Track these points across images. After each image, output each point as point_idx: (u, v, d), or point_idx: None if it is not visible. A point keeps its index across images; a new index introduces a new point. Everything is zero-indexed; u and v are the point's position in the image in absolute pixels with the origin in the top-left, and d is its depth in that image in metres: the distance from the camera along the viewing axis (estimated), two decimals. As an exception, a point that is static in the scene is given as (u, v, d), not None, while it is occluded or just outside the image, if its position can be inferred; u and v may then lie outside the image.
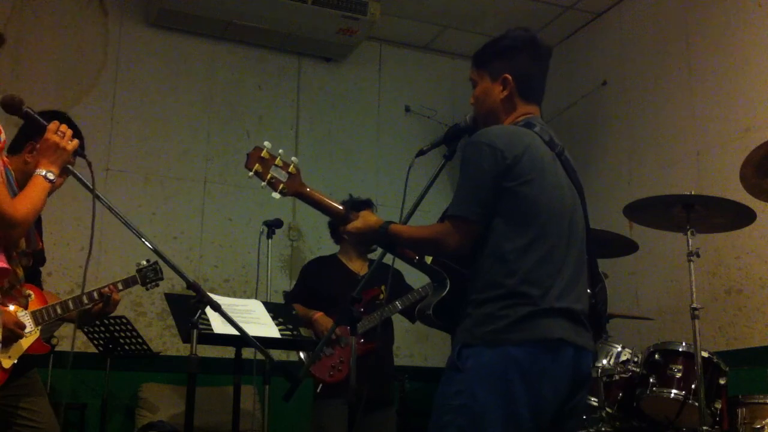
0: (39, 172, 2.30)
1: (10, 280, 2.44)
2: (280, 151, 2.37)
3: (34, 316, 2.84)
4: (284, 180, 2.35)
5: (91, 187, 2.39)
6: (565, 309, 2.09)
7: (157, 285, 3.59)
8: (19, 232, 2.17)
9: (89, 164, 2.41)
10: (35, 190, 2.25)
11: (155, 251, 2.57)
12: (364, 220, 2.35)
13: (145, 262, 3.63)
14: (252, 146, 2.38)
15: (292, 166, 2.37)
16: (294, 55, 6.12)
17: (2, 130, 2.23)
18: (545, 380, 2.03)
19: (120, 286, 3.45)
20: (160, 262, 3.54)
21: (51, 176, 2.31)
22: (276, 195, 2.35)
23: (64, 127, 2.37)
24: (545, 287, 2.08)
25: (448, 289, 2.26)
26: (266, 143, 2.36)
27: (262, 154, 2.34)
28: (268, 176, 2.34)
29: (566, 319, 2.09)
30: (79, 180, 2.45)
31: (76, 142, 2.40)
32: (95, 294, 3.31)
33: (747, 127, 4.61)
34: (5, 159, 2.34)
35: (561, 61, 5.81)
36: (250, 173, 2.33)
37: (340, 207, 2.40)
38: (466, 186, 2.16)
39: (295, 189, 2.36)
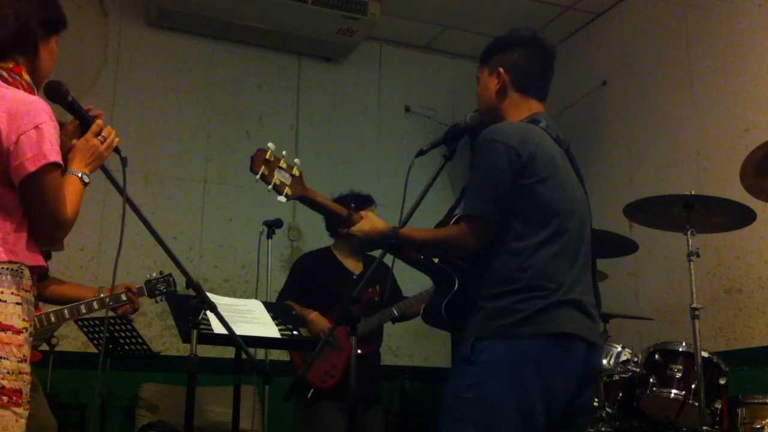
0: (74, 172, 2.13)
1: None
2: (284, 152, 2.37)
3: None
4: (288, 183, 2.34)
5: (123, 188, 2.29)
6: (577, 302, 2.11)
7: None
8: (65, 234, 2.09)
9: (123, 162, 2.28)
10: (75, 192, 2.10)
11: (168, 253, 2.54)
12: (371, 223, 2.34)
13: (155, 275, 3.62)
14: (252, 146, 2.37)
15: (295, 168, 2.36)
16: (294, 55, 6.11)
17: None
18: (558, 375, 2.05)
19: (123, 297, 3.46)
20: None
21: (87, 179, 2.15)
22: (282, 198, 2.34)
23: (106, 131, 2.22)
24: (559, 282, 2.09)
25: (457, 286, 2.26)
26: (270, 144, 2.35)
27: (266, 156, 2.32)
28: (274, 179, 2.33)
29: (578, 310, 2.11)
30: (112, 180, 2.35)
31: (116, 142, 2.25)
32: (108, 300, 3.34)
33: (747, 127, 4.61)
34: None
35: (561, 61, 5.73)
36: (257, 177, 2.31)
37: (344, 210, 2.39)
38: (481, 184, 2.16)
39: (299, 192, 2.35)
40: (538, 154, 2.13)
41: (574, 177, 2.27)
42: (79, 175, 2.14)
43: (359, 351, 3.83)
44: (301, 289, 4.06)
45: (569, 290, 2.10)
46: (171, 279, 3.59)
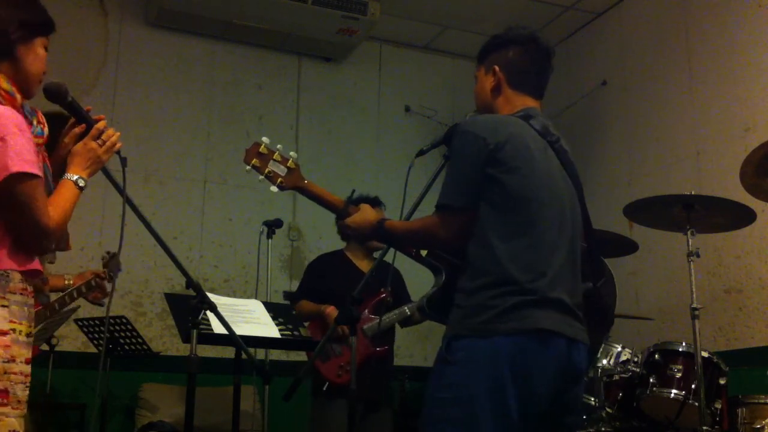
0: (70, 177, 2.10)
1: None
2: (279, 146, 2.37)
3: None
4: (283, 174, 2.35)
5: (122, 188, 2.27)
6: (555, 299, 2.07)
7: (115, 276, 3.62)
8: (51, 241, 2.05)
9: (123, 162, 2.26)
10: (66, 197, 2.08)
11: (168, 253, 2.55)
12: (363, 215, 2.35)
13: (106, 255, 3.65)
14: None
15: (291, 161, 2.37)
16: (294, 55, 6.12)
17: (45, 124, 2.13)
18: (535, 371, 2.01)
19: (93, 283, 3.49)
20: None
21: (82, 183, 2.13)
22: (274, 188, 2.35)
23: (107, 134, 2.19)
24: (534, 275, 2.06)
25: (443, 281, 2.26)
26: (264, 138, 2.36)
27: (260, 149, 2.34)
28: (266, 170, 2.34)
29: (556, 309, 2.07)
30: (111, 181, 2.34)
31: (118, 146, 2.22)
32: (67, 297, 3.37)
33: (747, 127, 4.61)
34: (45, 154, 2.16)
35: (561, 61, 5.75)
36: (248, 167, 2.34)
37: (340, 202, 2.40)
38: (451, 174, 2.17)
39: (294, 183, 2.36)
40: (507, 144, 2.11)
41: (558, 169, 2.23)
42: (74, 179, 2.12)
43: (378, 349, 3.92)
44: (315, 291, 4.11)
45: (548, 287, 2.06)
46: (113, 254, 3.57)
